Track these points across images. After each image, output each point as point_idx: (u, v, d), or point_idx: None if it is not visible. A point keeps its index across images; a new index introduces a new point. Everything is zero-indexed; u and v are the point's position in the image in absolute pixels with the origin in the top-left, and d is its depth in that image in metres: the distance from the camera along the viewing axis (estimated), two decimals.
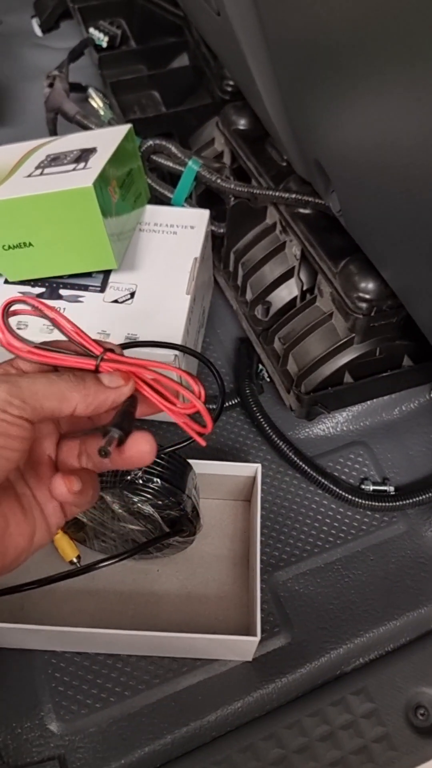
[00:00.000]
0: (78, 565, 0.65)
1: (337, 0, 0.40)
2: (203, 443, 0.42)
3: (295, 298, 0.74)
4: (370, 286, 0.63)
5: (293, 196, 0.70)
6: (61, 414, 0.38)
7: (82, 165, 0.63)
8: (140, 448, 0.39)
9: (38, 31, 1.24)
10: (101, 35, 1.01)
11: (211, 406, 0.75)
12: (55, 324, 0.41)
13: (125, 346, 0.63)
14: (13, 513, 0.38)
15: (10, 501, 0.39)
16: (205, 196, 0.82)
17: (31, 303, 0.40)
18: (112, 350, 0.41)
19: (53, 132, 0.89)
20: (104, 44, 1.01)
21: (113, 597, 0.64)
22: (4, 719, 0.59)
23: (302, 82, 0.50)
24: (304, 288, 0.72)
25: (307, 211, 0.71)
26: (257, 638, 0.56)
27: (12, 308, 0.40)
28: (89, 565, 0.56)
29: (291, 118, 0.58)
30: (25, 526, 0.39)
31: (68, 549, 0.65)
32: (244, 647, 0.59)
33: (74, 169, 0.63)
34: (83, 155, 0.65)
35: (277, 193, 0.71)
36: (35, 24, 1.24)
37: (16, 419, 0.36)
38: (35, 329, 0.64)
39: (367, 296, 0.63)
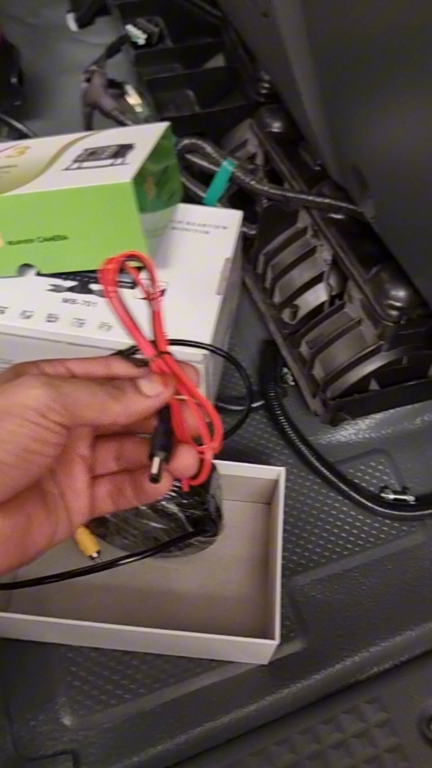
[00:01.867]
0: (98, 561, 0.65)
1: (389, 5, 0.40)
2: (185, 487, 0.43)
3: (323, 303, 0.74)
4: (402, 294, 0.63)
5: (326, 200, 0.70)
6: (99, 423, 0.38)
7: (120, 160, 0.64)
8: (185, 462, 0.40)
9: (73, 26, 1.24)
10: (139, 32, 1.01)
11: (239, 407, 0.75)
12: (154, 306, 0.40)
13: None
14: (36, 513, 0.38)
15: (35, 501, 0.39)
16: (235, 197, 0.82)
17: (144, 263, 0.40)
18: (170, 354, 0.41)
19: (88, 126, 0.89)
20: (141, 41, 1.01)
21: (131, 594, 0.64)
22: (18, 711, 0.59)
23: (347, 86, 0.50)
24: (333, 293, 0.72)
25: (339, 217, 0.71)
26: (276, 642, 0.56)
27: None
28: (112, 561, 0.55)
29: (331, 122, 0.58)
30: (47, 525, 0.39)
31: (89, 544, 0.64)
32: (261, 650, 0.59)
33: (112, 164, 0.63)
34: (121, 151, 0.66)
35: (310, 197, 0.70)
36: (71, 19, 1.24)
37: (54, 425, 0.35)
38: (65, 323, 0.65)
39: (398, 304, 0.63)
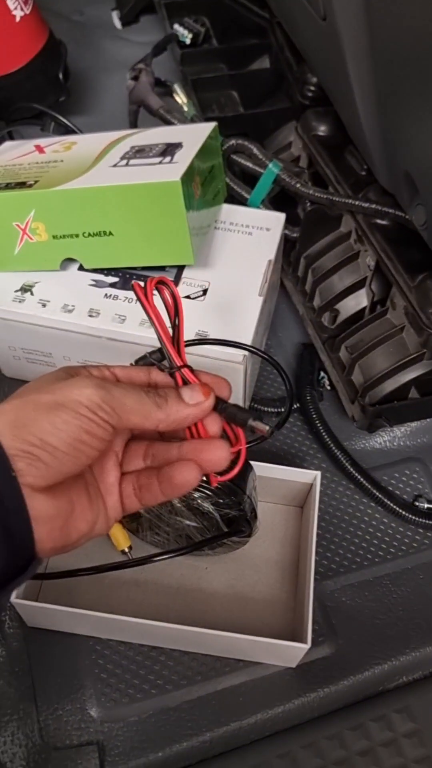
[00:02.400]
0: (129, 556, 0.65)
1: None
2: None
3: (363, 309, 0.73)
4: None
5: (373, 206, 0.69)
6: (142, 428, 0.42)
7: (168, 159, 0.64)
8: (218, 454, 0.43)
9: (118, 24, 1.25)
10: (185, 32, 1.01)
11: (275, 410, 0.75)
12: (176, 315, 0.47)
13: (195, 342, 0.63)
14: (79, 499, 0.41)
15: (78, 488, 0.41)
16: (277, 199, 0.82)
17: (171, 288, 0.46)
18: (189, 368, 0.45)
19: (134, 124, 0.90)
20: (187, 41, 1.01)
21: (161, 590, 0.65)
22: (46, 699, 0.59)
23: (406, 89, 0.50)
24: (375, 299, 0.72)
25: (384, 222, 0.70)
26: (307, 645, 0.55)
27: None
28: (144, 558, 0.56)
29: (385, 127, 0.58)
30: (89, 512, 0.42)
31: (121, 538, 0.65)
32: (290, 653, 0.59)
33: (160, 162, 0.64)
34: (169, 149, 0.66)
35: (356, 202, 0.70)
36: (115, 17, 1.25)
37: (103, 422, 0.39)
38: (107, 318, 0.65)
39: None
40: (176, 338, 0.46)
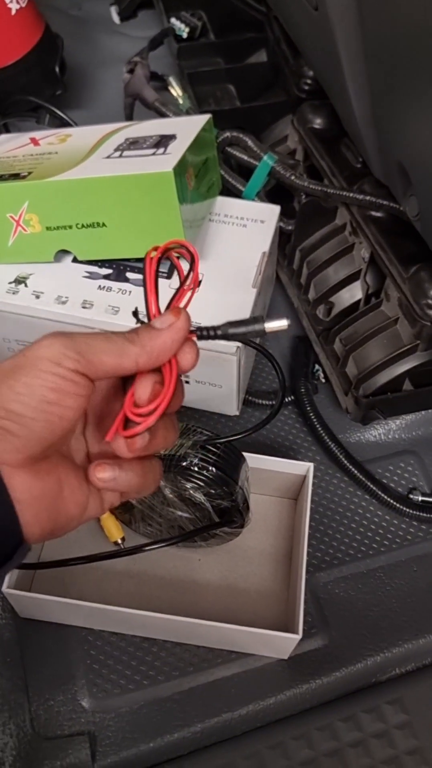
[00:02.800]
0: (122, 547, 0.65)
1: None
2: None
3: (358, 301, 0.73)
4: None
5: (367, 198, 0.69)
6: (124, 370, 0.37)
7: (161, 150, 0.64)
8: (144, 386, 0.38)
9: (116, 19, 1.25)
10: (182, 26, 1.01)
11: (269, 402, 0.75)
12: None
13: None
14: (68, 480, 0.38)
15: (67, 468, 0.38)
16: (273, 192, 0.81)
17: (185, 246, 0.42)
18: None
19: (129, 117, 0.89)
20: (184, 35, 1.01)
21: (153, 581, 0.65)
22: (37, 690, 0.59)
23: (398, 81, 0.50)
24: (369, 291, 0.72)
25: (379, 214, 0.70)
26: (298, 636, 0.55)
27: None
28: (136, 547, 0.56)
29: (378, 117, 0.58)
30: (79, 494, 0.39)
31: (114, 529, 0.65)
32: (282, 644, 0.59)
33: (154, 154, 0.63)
34: (163, 141, 0.66)
35: (351, 194, 0.70)
36: (114, 11, 1.25)
37: (71, 373, 0.35)
38: (100, 310, 0.65)
39: None
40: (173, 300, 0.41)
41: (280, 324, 0.40)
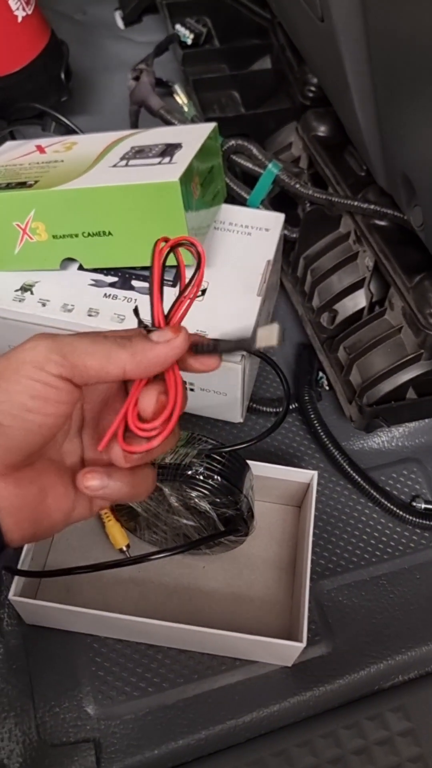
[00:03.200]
0: (127, 554, 0.65)
1: None
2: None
3: (361, 309, 0.74)
4: None
5: (372, 206, 0.70)
6: (109, 376, 0.35)
7: (167, 159, 0.64)
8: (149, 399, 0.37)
9: (120, 24, 1.25)
10: (187, 32, 1.01)
11: (273, 410, 0.76)
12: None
13: None
14: (53, 488, 0.37)
15: (52, 475, 0.37)
16: (277, 199, 0.82)
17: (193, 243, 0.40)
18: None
19: (134, 125, 0.90)
20: (189, 41, 1.02)
21: (158, 589, 0.65)
22: (43, 697, 0.60)
23: (403, 91, 0.50)
24: (373, 300, 0.72)
25: (383, 223, 0.71)
26: (302, 644, 0.56)
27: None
28: (142, 556, 0.56)
29: (383, 127, 0.58)
30: (64, 501, 0.38)
31: (119, 537, 0.65)
32: (286, 652, 0.59)
33: (160, 163, 0.64)
34: (168, 149, 0.66)
35: (355, 203, 0.70)
36: (118, 17, 1.25)
37: (55, 379, 0.34)
38: (106, 318, 0.65)
39: None
40: (175, 305, 0.40)
41: (269, 342, 0.37)
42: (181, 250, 0.41)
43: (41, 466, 0.37)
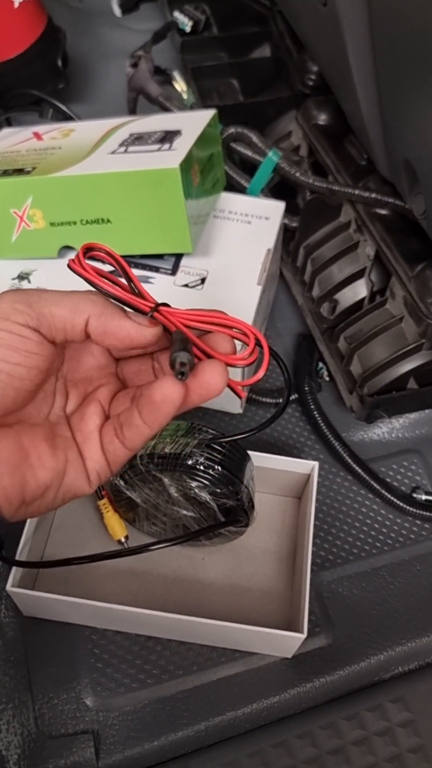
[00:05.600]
0: (126, 545, 0.65)
1: None
2: (242, 395, 0.42)
3: (362, 299, 0.73)
4: None
5: (373, 195, 0.69)
6: (74, 328, 0.35)
7: (167, 146, 0.63)
8: (213, 375, 0.38)
9: (117, 12, 1.23)
10: (185, 19, 1.00)
11: (273, 400, 0.75)
12: (122, 269, 0.41)
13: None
14: (35, 446, 0.36)
15: (33, 435, 0.37)
16: (277, 188, 0.81)
17: (104, 249, 0.41)
18: (166, 305, 0.39)
19: (133, 112, 0.89)
20: (187, 29, 1.00)
21: (157, 580, 0.64)
22: (41, 688, 0.59)
23: (406, 77, 0.50)
24: (374, 289, 0.71)
25: (384, 212, 0.70)
26: (303, 635, 0.55)
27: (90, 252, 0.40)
28: (140, 547, 0.55)
29: (385, 114, 0.57)
30: (50, 459, 0.37)
31: (117, 528, 0.65)
32: (286, 643, 0.59)
33: (159, 150, 0.63)
34: (168, 136, 0.65)
35: (356, 192, 0.70)
36: (115, 4, 1.24)
37: (21, 328, 0.34)
38: None
39: None
40: (135, 288, 0.41)
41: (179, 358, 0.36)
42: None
43: (20, 428, 0.36)
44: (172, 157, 0.60)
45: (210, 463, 0.57)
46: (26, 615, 0.62)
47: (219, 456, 0.57)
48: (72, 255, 0.67)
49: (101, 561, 0.58)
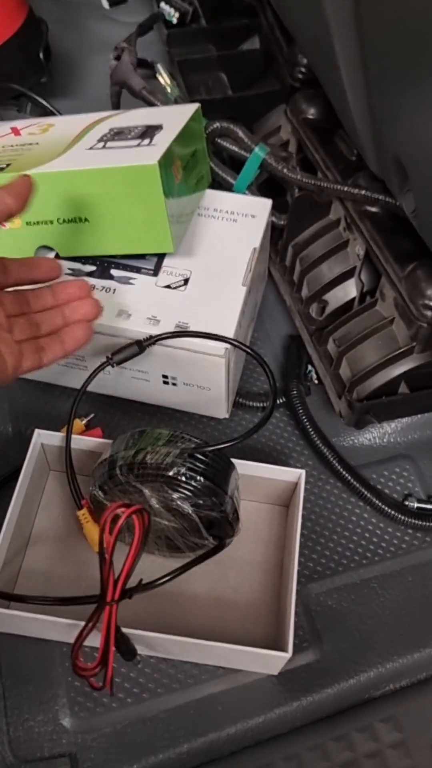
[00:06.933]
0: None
1: None
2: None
3: (352, 300, 0.70)
4: None
5: (363, 192, 0.66)
6: None
7: (147, 141, 0.61)
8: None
9: (105, 4, 1.20)
10: (172, 10, 0.97)
11: (261, 404, 0.73)
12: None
13: (174, 335, 0.60)
14: None
15: None
16: (265, 185, 0.78)
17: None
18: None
19: (116, 106, 0.86)
20: (174, 20, 0.98)
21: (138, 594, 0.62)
22: (16, 709, 0.57)
23: (395, 71, 0.47)
24: (364, 290, 0.69)
25: (375, 210, 0.67)
26: (288, 655, 0.53)
27: None
28: (151, 583, 0.54)
29: (374, 108, 0.55)
30: None
31: (97, 539, 0.62)
32: (271, 661, 0.56)
33: (138, 145, 0.60)
34: (148, 131, 0.63)
35: (345, 188, 0.67)
36: None
37: None
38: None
39: None
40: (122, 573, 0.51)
41: None
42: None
43: None
44: (151, 153, 0.58)
45: (192, 474, 0.54)
46: (1, 631, 0.60)
47: (202, 466, 0.55)
48: (51, 255, 0.65)
49: (81, 573, 0.56)
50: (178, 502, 0.55)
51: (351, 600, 0.64)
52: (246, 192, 0.75)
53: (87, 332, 0.56)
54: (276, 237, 0.78)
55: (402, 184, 0.58)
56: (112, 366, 0.61)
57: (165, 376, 0.66)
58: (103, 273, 0.65)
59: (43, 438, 0.63)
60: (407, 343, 0.62)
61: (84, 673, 0.50)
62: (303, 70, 0.85)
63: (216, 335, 0.60)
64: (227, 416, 0.71)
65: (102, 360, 0.62)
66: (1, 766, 0.54)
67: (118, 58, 0.82)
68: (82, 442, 0.63)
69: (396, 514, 0.67)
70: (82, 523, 0.63)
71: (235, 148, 0.75)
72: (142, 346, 0.60)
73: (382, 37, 0.47)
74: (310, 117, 0.78)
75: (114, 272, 0.65)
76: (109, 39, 1.09)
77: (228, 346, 0.60)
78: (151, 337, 0.60)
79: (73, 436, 0.62)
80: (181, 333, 0.60)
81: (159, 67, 0.88)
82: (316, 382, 0.74)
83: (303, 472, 0.61)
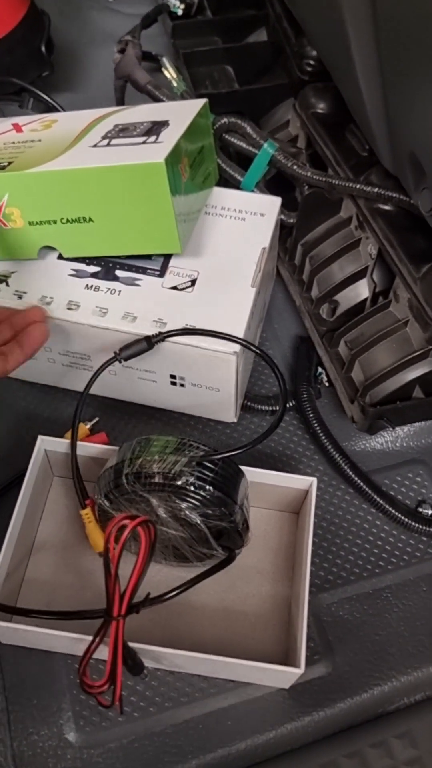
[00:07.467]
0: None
1: None
2: None
3: (365, 300, 0.69)
4: None
5: (375, 189, 0.64)
6: None
7: (153, 138, 0.59)
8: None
9: None
10: (177, 2, 0.95)
11: (269, 408, 0.71)
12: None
13: (184, 332, 0.58)
14: None
15: None
16: (273, 182, 0.76)
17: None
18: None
19: (120, 100, 0.84)
20: (179, 12, 0.95)
21: None
22: (21, 723, 0.55)
23: (413, 63, 0.45)
24: (377, 290, 0.67)
25: (388, 208, 0.65)
26: (300, 670, 0.51)
27: None
28: (156, 598, 0.52)
29: (390, 103, 0.53)
30: None
31: (99, 540, 0.60)
32: (282, 676, 0.55)
33: (144, 142, 0.58)
34: (154, 128, 0.61)
35: (358, 186, 0.65)
36: None
37: None
38: (87, 311, 0.61)
39: None
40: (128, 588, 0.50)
41: None
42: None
43: None
44: (157, 151, 0.56)
45: (201, 483, 0.53)
46: (5, 643, 0.58)
47: (211, 475, 0.53)
48: (53, 255, 0.63)
49: (86, 584, 0.54)
50: (187, 512, 0.54)
51: (363, 610, 0.62)
52: (254, 189, 0.73)
53: (43, 331, 0.58)
54: (285, 235, 0.77)
55: (418, 182, 0.56)
56: (120, 362, 0.60)
57: (173, 376, 0.64)
58: (107, 274, 0.63)
59: (47, 444, 0.61)
60: (422, 346, 0.60)
61: (92, 691, 0.48)
62: (312, 62, 0.83)
63: (226, 335, 0.58)
64: (235, 420, 0.69)
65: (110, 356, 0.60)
66: None
67: (122, 51, 0.80)
68: (87, 448, 0.61)
69: (409, 522, 0.65)
70: (85, 522, 0.61)
71: (243, 144, 0.73)
72: (150, 342, 0.59)
73: (400, 27, 0.45)
74: (320, 111, 0.76)
75: (119, 273, 0.63)
76: (113, 31, 1.07)
77: (238, 347, 0.59)
78: (160, 333, 0.59)
79: (78, 443, 0.61)
80: (192, 330, 0.58)
81: (165, 61, 0.86)
82: (327, 384, 0.72)
83: (314, 479, 0.59)
